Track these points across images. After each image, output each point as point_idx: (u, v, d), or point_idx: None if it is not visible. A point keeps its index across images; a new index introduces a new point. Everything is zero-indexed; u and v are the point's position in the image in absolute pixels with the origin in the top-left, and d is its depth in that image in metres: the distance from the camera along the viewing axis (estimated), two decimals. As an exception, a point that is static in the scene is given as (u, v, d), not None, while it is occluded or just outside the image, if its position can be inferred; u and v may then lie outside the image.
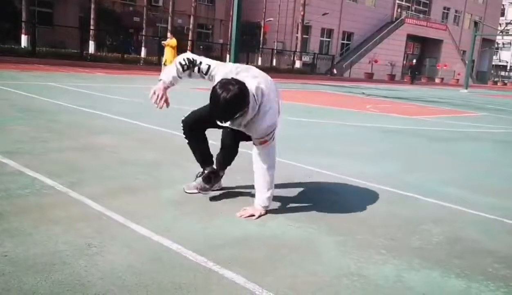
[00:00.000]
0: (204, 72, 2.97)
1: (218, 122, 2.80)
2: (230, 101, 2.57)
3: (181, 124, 3.25)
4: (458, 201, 3.71)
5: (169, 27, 28.93)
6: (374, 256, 2.50)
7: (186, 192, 3.32)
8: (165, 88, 3.08)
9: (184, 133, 3.28)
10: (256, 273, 2.18)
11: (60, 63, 20.06)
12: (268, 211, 3.04)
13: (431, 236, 2.89)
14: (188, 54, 3.06)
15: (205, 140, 3.33)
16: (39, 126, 5.54)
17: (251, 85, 2.73)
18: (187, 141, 3.31)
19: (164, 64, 16.03)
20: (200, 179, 3.29)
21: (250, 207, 3.03)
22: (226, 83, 2.63)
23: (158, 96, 3.05)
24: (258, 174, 3.00)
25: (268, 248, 2.51)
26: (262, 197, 3.00)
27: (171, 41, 16.67)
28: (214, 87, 2.64)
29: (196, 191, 3.29)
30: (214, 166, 3.37)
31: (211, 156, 3.37)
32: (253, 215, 2.96)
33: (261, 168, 2.98)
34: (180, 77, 3.07)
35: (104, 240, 2.42)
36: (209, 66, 2.97)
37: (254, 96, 2.72)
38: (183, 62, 3.01)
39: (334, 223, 2.97)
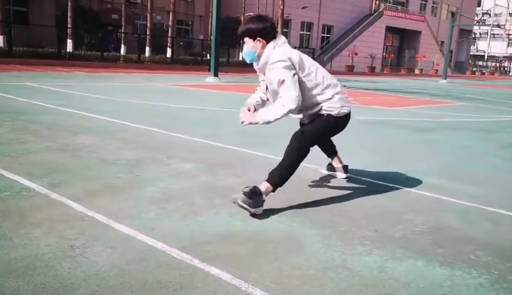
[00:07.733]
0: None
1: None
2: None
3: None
4: (439, 190, 3.76)
5: (148, 24, 28.70)
6: (358, 248, 2.52)
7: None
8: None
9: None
10: (241, 269, 2.18)
11: (38, 63, 19.74)
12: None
13: (414, 226, 2.92)
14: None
15: None
16: (17, 128, 5.44)
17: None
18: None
19: None
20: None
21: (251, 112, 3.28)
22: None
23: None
24: (273, 105, 3.16)
25: (252, 243, 2.51)
26: (264, 112, 3.16)
27: None
28: None
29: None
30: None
31: None
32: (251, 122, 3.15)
33: (277, 103, 3.08)
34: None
35: (87, 241, 2.39)
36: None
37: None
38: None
39: (317, 216, 2.98)
